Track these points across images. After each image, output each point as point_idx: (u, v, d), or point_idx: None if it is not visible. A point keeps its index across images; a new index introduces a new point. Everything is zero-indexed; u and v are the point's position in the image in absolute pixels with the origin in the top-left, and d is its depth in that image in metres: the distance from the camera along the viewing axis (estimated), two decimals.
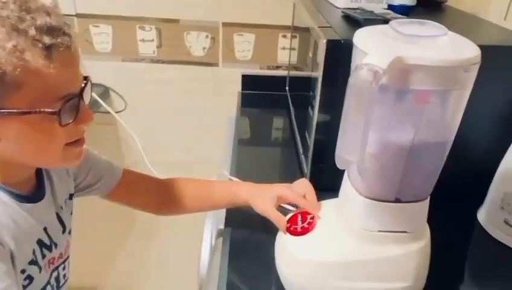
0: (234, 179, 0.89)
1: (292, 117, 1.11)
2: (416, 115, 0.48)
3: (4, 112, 0.48)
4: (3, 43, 0.45)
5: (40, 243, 0.59)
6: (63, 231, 0.65)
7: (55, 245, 0.62)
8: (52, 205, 0.63)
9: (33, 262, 0.57)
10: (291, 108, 1.15)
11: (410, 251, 0.56)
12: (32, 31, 0.47)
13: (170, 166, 1.31)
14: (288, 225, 0.64)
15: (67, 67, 0.50)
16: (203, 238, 0.91)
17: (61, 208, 0.65)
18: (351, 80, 0.43)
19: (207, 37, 1.32)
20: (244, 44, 1.33)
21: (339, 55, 0.71)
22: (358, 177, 0.54)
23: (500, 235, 0.74)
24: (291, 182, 0.73)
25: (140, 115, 1.40)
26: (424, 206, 0.56)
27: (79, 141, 0.56)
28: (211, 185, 0.80)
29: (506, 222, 0.73)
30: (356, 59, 0.49)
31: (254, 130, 1.20)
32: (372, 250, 0.56)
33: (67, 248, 0.67)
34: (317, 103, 0.76)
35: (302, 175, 0.88)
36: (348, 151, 0.47)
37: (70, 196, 0.68)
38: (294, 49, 1.23)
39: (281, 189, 0.70)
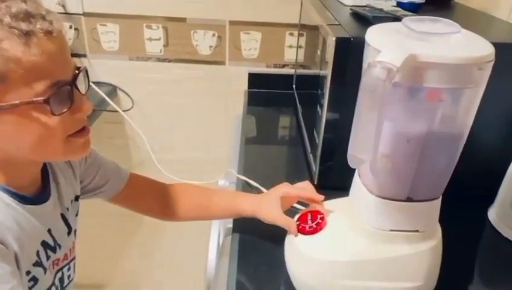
0: (242, 177, 0.89)
1: (299, 115, 1.11)
2: (430, 113, 0.48)
3: None
4: None
5: (45, 244, 0.59)
6: (69, 233, 0.65)
7: (60, 246, 0.62)
8: (58, 207, 0.62)
9: (38, 264, 0.57)
10: (299, 106, 1.14)
11: (422, 251, 0.55)
12: (7, 19, 0.46)
13: (177, 164, 1.32)
14: (298, 223, 0.64)
15: (51, 53, 0.48)
16: (210, 237, 0.91)
17: (67, 209, 0.64)
18: (364, 78, 0.43)
19: (214, 35, 1.32)
20: (251, 42, 1.33)
21: (348, 53, 0.71)
22: (369, 175, 0.53)
23: (511, 234, 0.73)
24: (297, 181, 0.73)
25: (148, 114, 1.40)
26: (436, 206, 0.55)
27: (82, 132, 0.55)
28: (211, 196, 0.77)
29: None
30: (368, 57, 0.49)
31: (261, 128, 1.20)
32: (383, 249, 0.55)
33: (72, 249, 0.66)
34: (326, 101, 0.76)
35: (310, 174, 0.88)
36: (361, 150, 0.47)
37: (76, 198, 0.68)
38: (301, 47, 1.22)
39: (281, 189, 0.69)
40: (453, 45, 0.46)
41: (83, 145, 0.56)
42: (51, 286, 0.61)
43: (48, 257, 0.59)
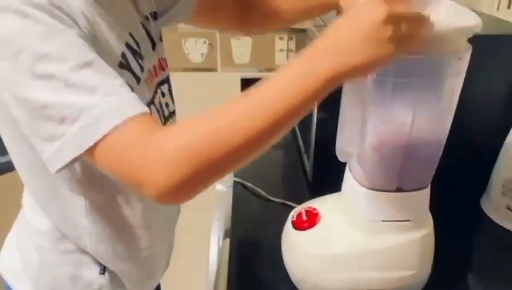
0: (238, 180, 0.90)
1: None
2: (413, 104, 0.49)
3: None
4: None
5: (129, 47, 0.50)
6: (153, 48, 0.58)
7: (143, 58, 0.53)
8: (133, 10, 0.55)
9: (124, 65, 0.48)
10: None
11: (414, 240, 0.57)
12: None
13: None
14: (294, 220, 0.65)
15: None
16: (210, 240, 0.91)
17: (147, 18, 0.58)
18: None
19: (205, 42, 1.34)
20: (242, 48, 1.35)
21: None
22: (359, 168, 0.55)
23: (503, 221, 0.75)
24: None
25: None
26: (425, 194, 0.56)
27: None
28: None
29: (508, 208, 0.73)
30: None
31: None
32: (375, 240, 0.57)
33: (161, 71, 0.59)
34: None
35: (305, 174, 0.89)
36: (348, 143, 0.48)
37: (155, 15, 0.61)
38: (292, 50, 1.24)
39: None
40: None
41: None
42: (150, 104, 0.54)
43: (138, 63, 0.51)
